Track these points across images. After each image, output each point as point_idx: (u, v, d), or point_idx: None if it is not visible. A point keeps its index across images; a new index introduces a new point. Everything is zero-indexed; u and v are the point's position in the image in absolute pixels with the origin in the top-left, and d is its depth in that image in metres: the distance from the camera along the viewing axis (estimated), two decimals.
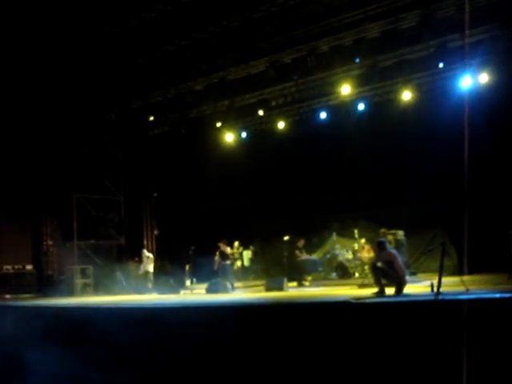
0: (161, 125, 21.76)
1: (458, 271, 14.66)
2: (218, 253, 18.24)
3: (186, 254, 19.81)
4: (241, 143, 21.41)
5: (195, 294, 17.98)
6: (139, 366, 8.83)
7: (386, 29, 15.40)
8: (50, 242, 22.02)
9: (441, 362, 5.80)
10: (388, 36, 15.49)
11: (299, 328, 8.65)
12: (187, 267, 20.49)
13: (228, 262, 18.11)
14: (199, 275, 20.67)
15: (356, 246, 18.09)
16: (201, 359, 6.74)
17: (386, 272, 12.04)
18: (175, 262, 21.07)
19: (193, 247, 19.51)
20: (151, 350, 8.68)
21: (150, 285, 19.98)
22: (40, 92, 18.75)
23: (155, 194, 23.38)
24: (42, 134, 20.41)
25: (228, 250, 18.33)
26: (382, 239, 13.45)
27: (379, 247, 12.92)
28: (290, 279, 17.66)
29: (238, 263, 19.03)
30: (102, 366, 9.47)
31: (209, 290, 17.36)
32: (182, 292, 18.51)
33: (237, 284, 18.22)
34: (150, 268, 20.25)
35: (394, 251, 13.26)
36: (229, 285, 17.67)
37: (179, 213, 22.45)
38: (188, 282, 20.42)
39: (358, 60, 16.38)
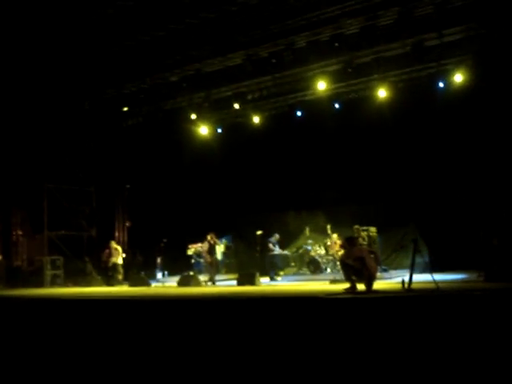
0: (135, 116, 21.49)
1: (428, 268, 14.77)
2: (206, 245, 18.14)
3: (157, 247, 19.71)
4: (216, 136, 21.31)
5: (166, 287, 17.87)
6: None
7: (364, 25, 15.38)
8: (20, 233, 21.74)
9: (410, 357, 5.81)
10: (365, 32, 15.48)
11: (269, 323, 8.62)
12: (159, 260, 20.40)
13: (215, 256, 18.06)
14: (171, 268, 20.60)
15: (328, 242, 18.12)
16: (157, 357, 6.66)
17: (357, 269, 12.07)
18: (147, 254, 20.98)
19: (165, 240, 19.40)
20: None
21: (120, 277, 19.86)
22: (11, 79, 18.41)
23: (128, 186, 23.18)
24: (13, 121, 20.07)
25: (217, 242, 18.24)
26: (352, 236, 13.48)
27: (349, 243, 12.94)
28: (262, 274, 17.66)
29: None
30: None
31: (180, 283, 17.30)
32: (153, 285, 18.41)
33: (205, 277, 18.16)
34: (119, 260, 20.11)
35: (364, 247, 13.31)
36: (201, 278, 17.64)
37: (152, 205, 22.28)
38: (159, 275, 20.32)
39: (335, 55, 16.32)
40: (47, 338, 8.60)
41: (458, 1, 14.48)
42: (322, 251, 18.32)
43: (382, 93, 17.55)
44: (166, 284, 18.53)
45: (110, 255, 20.15)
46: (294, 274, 18.84)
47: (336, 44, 15.71)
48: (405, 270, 14.15)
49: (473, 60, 16.33)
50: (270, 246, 18.96)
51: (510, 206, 14.01)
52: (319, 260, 18.23)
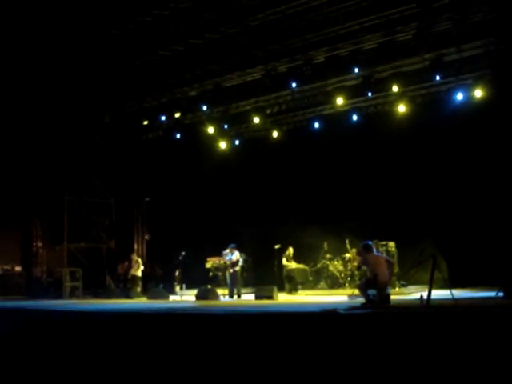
0: (155, 129, 21.72)
1: (447, 284, 14.66)
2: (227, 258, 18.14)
3: (176, 260, 19.77)
4: (234, 150, 21.40)
5: (184, 300, 17.90)
6: None
7: (383, 40, 15.45)
8: (40, 244, 21.93)
9: (430, 372, 5.80)
10: (384, 48, 15.54)
11: (287, 338, 8.62)
12: (177, 273, 20.44)
13: (237, 269, 18.04)
14: (189, 281, 20.63)
15: (347, 257, 18.07)
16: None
17: (370, 280, 12.05)
18: (165, 267, 21.04)
19: (183, 253, 19.47)
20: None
21: (138, 289, 19.94)
22: (33, 92, 18.70)
23: (147, 199, 23.31)
24: (36, 134, 20.34)
25: (238, 256, 18.21)
26: (368, 242, 13.36)
27: (365, 249, 12.87)
28: (280, 288, 17.64)
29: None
30: None
31: (199, 297, 17.32)
32: (172, 298, 18.44)
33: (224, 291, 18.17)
34: (139, 272, 20.22)
35: (381, 255, 13.24)
36: (219, 292, 17.65)
37: (171, 218, 22.37)
38: (178, 288, 20.36)
39: (355, 71, 16.34)
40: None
41: (477, 16, 14.50)
42: (341, 266, 18.27)
43: (402, 108, 17.53)
44: (183, 297, 18.56)
45: (129, 267, 20.27)
46: (312, 288, 18.77)
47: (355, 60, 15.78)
48: (424, 286, 14.06)
49: (492, 75, 16.28)
50: (285, 260, 18.94)
51: None
52: (337, 275, 18.19)
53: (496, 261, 13.48)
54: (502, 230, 14.62)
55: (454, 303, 10.93)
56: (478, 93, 16.44)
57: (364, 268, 13.63)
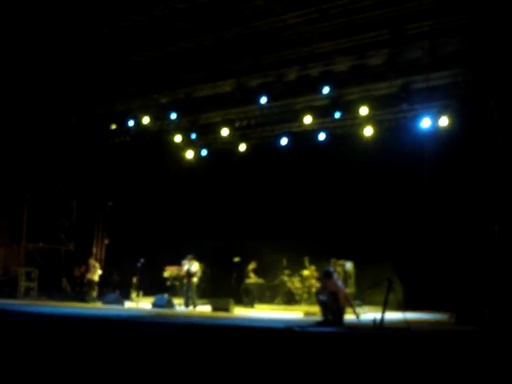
0: (123, 134, 21.59)
1: (402, 307, 14.88)
2: (186, 268, 18.09)
3: (134, 266, 19.63)
4: (201, 161, 21.39)
5: (140, 307, 17.80)
6: None
7: (354, 63, 15.70)
8: None
9: None
10: (355, 71, 15.79)
11: (238, 352, 8.66)
12: (135, 279, 20.31)
13: (194, 280, 18.00)
14: (146, 289, 20.52)
15: (305, 274, 18.19)
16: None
17: (330, 304, 12.19)
18: (123, 273, 20.88)
19: (142, 260, 19.34)
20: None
21: (94, 294, 19.75)
22: None
23: (110, 203, 23.12)
24: None
25: (197, 266, 18.18)
26: (330, 269, 13.57)
27: (326, 276, 13.04)
28: (237, 301, 17.67)
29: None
30: None
31: (155, 305, 17.26)
32: (127, 304, 18.32)
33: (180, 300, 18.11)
34: (96, 277, 20.02)
35: (340, 283, 13.43)
36: (175, 301, 17.60)
37: (132, 224, 22.21)
38: (134, 295, 20.23)
39: (324, 91, 16.51)
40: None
41: (447, 47, 14.84)
42: (298, 283, 18.37)
43: (368, 131, 17.75)
44: (140, 304, 18.44)
45: (86, 271, 20.06)
46: (269, 303, 18.82)
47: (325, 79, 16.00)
48: (378, 306, 14.24)
49: (458, 105, 16.63)
50: (248, 274, 19.08)
51: (484, 252, 14.21)
52: (294, 291, 18.29)
53: (449, 286, 13.76)
54: (458, 257, 14.91)
55: (406, 326, 11.12)
56: (444, 121, 16.73)
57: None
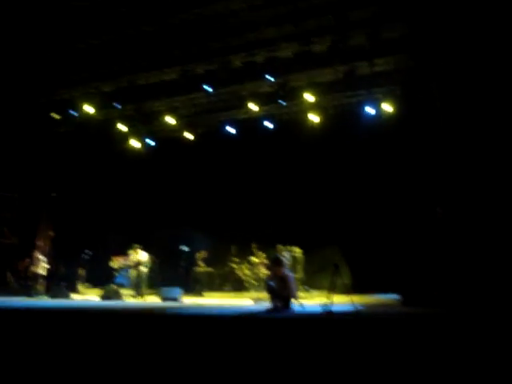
0: (66, 123, 21.09)
1: (350, 290, 15.12)
2: (137, 258, 17.93)
3: (80, 258, 19.31)
4: (147, 149, 21.14)
5: (87, 299, 17.55)
6: None
7: (299, 50, 15.72)
8: None
9: (325, 377, 5.93)
10: (300, 57, 15.82)
11: (187, 340, 8.62)
12: (81, 271, 20.01)
13: (143, 270, 17.87)
14: (94, 280, 20.24)
15: (253, 261, 18.24)
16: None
17: (278, 290, 12.27)
18: (69, 265, 20.51)
19: (88, 252, 19.02)
20: None
21: (40, 287, 19.37)
22: None
23: (54, 194, 22.61)
24: None
25: (145, 256, 18.03)
26: (279, 256, 13.67)
27: (275, 263, 13.11)
28: (187, 290, 17.60)
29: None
30: None
31: (102, 297, 17.05)
32: (74, 297, 18.04)
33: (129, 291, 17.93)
34: (41, 270, 19.61)
35: (288, 270, 13.54)
36: (122, 292, 17.41)
37: (77, 216, 21.80)
38: (81, 287, 19.93)
39: (270, 78, 16.51)
40: None
41: (391, 33, 15.01)
42: (247, 270, 18.41)
43: (314, 117, 17.87)
44: (87, 296, 18.18)
45: (30, 264, 19.62)
46: (218, 291, 18.81)
47: (270, 67, 16.00)
48: (326, 291, 14.42)
49: (401, 91, 16.90)
50: (197, 262, 19.06)
51: (429, 234, 14.51)
52: (243, 279, 18.32)
53: (396, 268, 14.01)
54: (403, 239, 15.18)
55: (354, 309, 11.30)
56: (387, 107, 17.00)
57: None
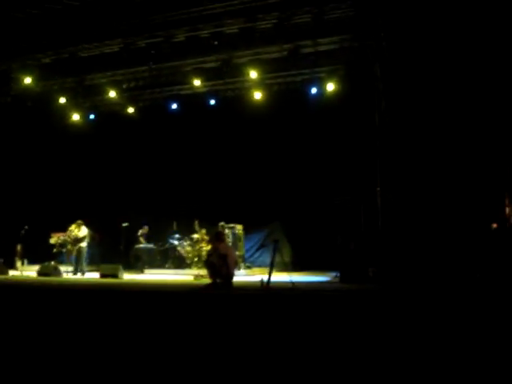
0: (3, 95, 20.40)
1: (289, 267, 15.31)
2: (78, 233, 17.65)
3: (18, 234, 18.84)
4: (88, 123, 20.69)
5: (25, 276, 17.19)
6: None
7: (244, 26, 15.59)
8: None
9: (265, 353, 5.99)
10: (245, 33, 15.69)
11: (130, 316, 8.56)
12: (19, 247, 19.58)
13: (82, 246, 17.60)
14: (31, 257, 19.84)
15: (195, 237, 18.16)
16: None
17: (219, 267, 12.29)
18: (6, 241, 20.00)
19: (26, 227, 18.57)
20: None
21: None
22: None
23: None
24: None
25: (85, 232, 17.74)
26: (221, 231, 13.69)
27: (217, 239, 13.13)
28: (126, 267, 17.44)
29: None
30: None
31: (40, 273, 16.75)
32: (11, 273, 17.67)
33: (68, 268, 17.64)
34: None
35: (229, 246, 13.57)
36: (61, 268, 17.13)
37: (14, 190, 21.21)
38: (19, 264, 19.52)
39: (214, 53, 16.37)
40: None
41: (336, 12, 15.03)
42: (188, 247, 18.32)
43: (258, 94, 17.84)
44: (25, 273, 17.80)
45: None
46: (159, 267, 18.70)
47: (215, 42, 15.82)
48: (267, 268, 14.55)
49: (344, 70, 17.02)
50: (141, 239, 18.93)
51: (366, 213, 14.77)
52: (185, 255, 18.26)
53: (335, 248, 14.22)
54: (340, 217, 15.40)
55: (292, 286, 11.45)
56: (330, 87, 17.10)
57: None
